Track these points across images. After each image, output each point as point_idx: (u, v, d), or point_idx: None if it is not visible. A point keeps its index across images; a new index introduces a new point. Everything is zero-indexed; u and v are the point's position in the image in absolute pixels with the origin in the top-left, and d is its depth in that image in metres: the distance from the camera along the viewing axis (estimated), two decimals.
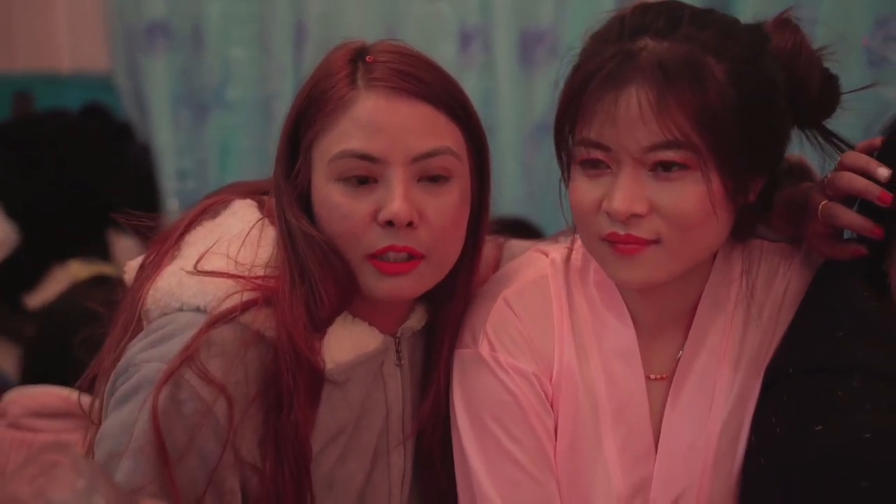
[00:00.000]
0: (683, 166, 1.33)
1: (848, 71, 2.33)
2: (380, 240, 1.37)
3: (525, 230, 2.69)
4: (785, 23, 1.44)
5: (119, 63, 3.83)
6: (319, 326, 1.39)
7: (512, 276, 1.52)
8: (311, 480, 1.39)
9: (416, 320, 1.50)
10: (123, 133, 3.83)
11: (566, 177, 1.43)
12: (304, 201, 1.41)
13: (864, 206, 1.42)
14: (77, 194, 3.58)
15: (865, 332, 1.37)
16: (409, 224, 1.36)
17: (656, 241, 1.36)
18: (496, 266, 1.60)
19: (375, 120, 1.36)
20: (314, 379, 1.37)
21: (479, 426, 1.45)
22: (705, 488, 1.45)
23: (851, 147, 1.46)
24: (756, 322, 1.48)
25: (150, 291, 1.41)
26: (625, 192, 1.34)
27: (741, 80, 1.34)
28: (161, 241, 1.46)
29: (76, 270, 3.29)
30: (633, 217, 1.34)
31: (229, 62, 3.54)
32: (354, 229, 1.37)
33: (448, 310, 1.49)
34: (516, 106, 2.95)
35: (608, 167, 1.36)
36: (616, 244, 1.36)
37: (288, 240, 1.40)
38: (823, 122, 1.47)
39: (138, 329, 1.43)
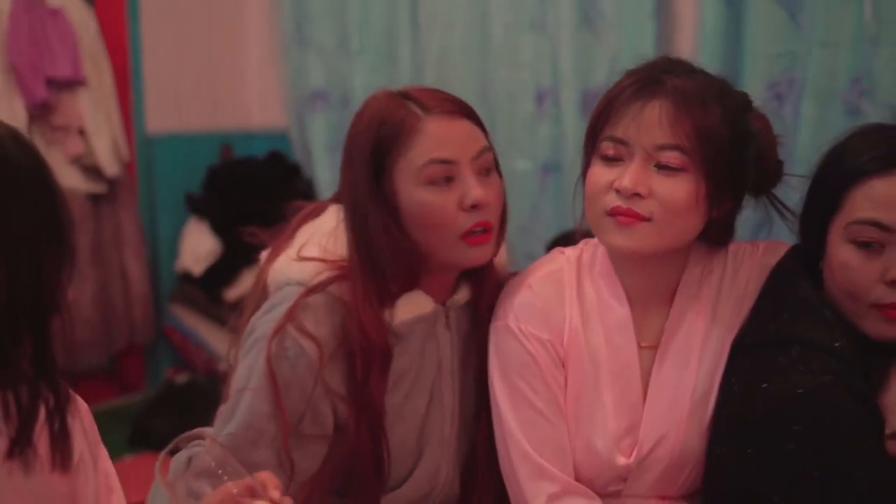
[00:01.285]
0: (679, 168, 1.35)
1: (831, 119, 2.28)
2: (468, 221, 1.40)
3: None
4: (760, 115, 1.46)
5: (292, 121, 3.92)
6: (389, 300, 1.41)
7: (537, 268, 1.53)
8: (387, 440, 1.41)
9: (461, 296, 1.51)
10: (295, 172, 3.91)
11: (586, 167, 1.45)
12: (391, 209, 1.40)
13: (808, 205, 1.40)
14: (263, 215, 3.68)
15: (803, 313, 1.35)
16: (482, 205, 1.40)
17: (648, 219, 1.37)
18: (506, 259, 1.60)
19: (443, 134, 1.39)
20: (384, 356, 1.39)
21: (508, 381, 1.46)
22: (682, 432, 1.44)
23: (791, 211, 1.46)
24: (724, 306, 1.47)
25: (270, 272, 1.46)
26: (633, 175, 1.36)
27: (732, 121, 1.38)
28: (280, 237, 1.51)
29: None
30: (636, 196, 1.36)
31: None
32: (449, 217, 1.39)
33: (483, 287, 1.51)
34: (578, 148, 2.85)
35: (622, 161, 1.38)
36: (618, 216, 1.38)
37: (363, 241, 1.40)
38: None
39: (264, 297, 1.47)
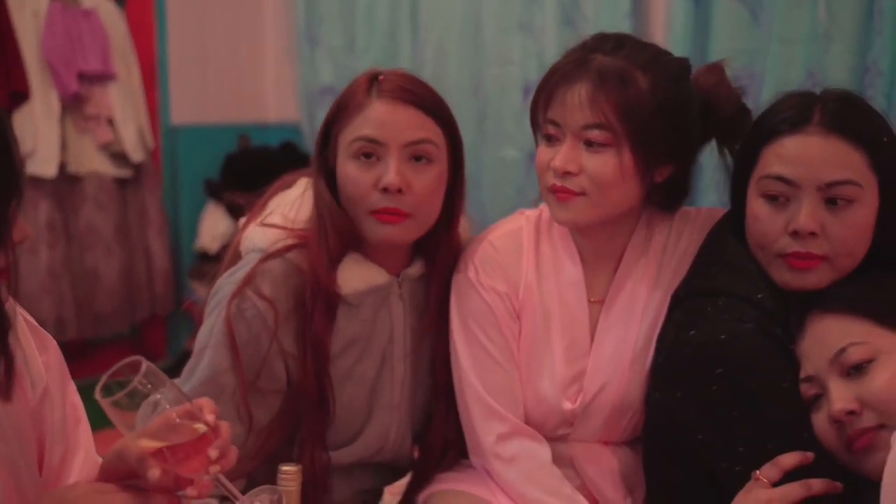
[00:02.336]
0: (605, 144, 1.36)
1: None
2: (379, 201, 1.39)
3: None
4: (713, 67, 1.46)
5: (304, 114, 3.95)
6: (334, 263, 1.41)
7: (499, 226, 1.54)
8: (328, 372, 1.41)
9: (415, 269, 1.50)
10: (305, 161, 3.78)
11: (537, 145, 1.46)
12: (332, 177, 1.43)
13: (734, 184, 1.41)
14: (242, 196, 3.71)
15: (730, 268, 1.36)
16: (399, 191, 1.38)
17: (582, 194, 1.38)
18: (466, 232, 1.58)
19: (380, 117, 1.39)
20: (330, 299, 1.39)
21: (467, 329, 1.47)
22: (624, 380, 1.45)
23: None
24: (667, 266, 1.47)
25: (242, 239, 1.47)
26: (564, 155, 1.37)
27: (660, 90, 1.37)
28: (255, 206, 1.51)
29: None
30: (568, 174, 1.38)
31: None
32: (362, 192, 1.39)
33: (437, 263, 1.50)
34: None
35: (559, 140, 1.39)
36: (556, 193, 1.39)
37: (316, 201, 1.43)
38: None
39: (235, 262, 1.47)
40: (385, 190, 1.38)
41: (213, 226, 3.86)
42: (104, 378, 0.96)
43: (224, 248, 3.74)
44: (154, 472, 0.90)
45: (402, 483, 1.61)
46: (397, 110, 1.39)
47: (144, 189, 3.80)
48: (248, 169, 3.88)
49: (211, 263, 3.83)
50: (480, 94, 3.11)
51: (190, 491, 0.92)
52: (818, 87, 2.38)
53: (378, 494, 1.60)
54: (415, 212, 1.40)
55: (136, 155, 3.71)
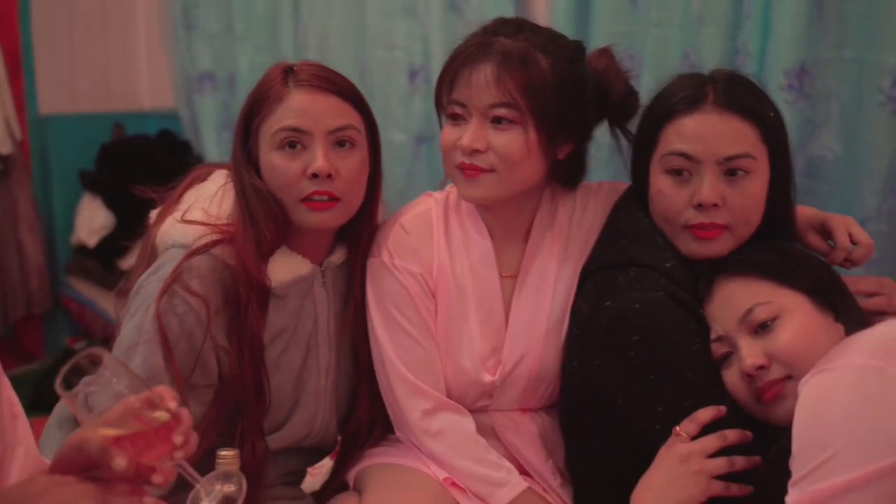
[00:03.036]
0: (511, 122, 1.38)
1: None
2: (308, 187, 1.40)
3: None
4: (604, 51, 1.51)
5: (181, 102, 3.82)
6: (265, 255, 1.41)
7: (408, 209, 1.55)
8: (264, 363, 1.42)
9: (337, 257, 1.52)
10: (185, 149, 3.82)
11: (441, 127, 1.47)
12: (255, 168, 1.44)
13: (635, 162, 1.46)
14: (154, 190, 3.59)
15: (639, 239, 1.42)
16: (329, 176, 1.40)
17: (491, 171, 1.41)
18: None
19: (301, 106, 1.40)
20: (262, 293, 1.40)
21: (384, 311, 1.48)
22: (539, 351, 1.49)
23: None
24: (574, 239, 1.52)
25: (158, 234, 1.44)
26: (471, 133, 1.40)
27: (559, 71, 1.41)
28: (170, 199, 1.48)
29: None
30: (476, 152, 1.40)
31: None
32: (290, 181, 1.40)
33: (360, 248, 1.52)
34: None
35: (465, 120, 1.41)
36: (464, 170, 1.42)
37: (242, 195, 1.42)
38: (626, 126, 1.52)
39: (152, 258, 1.45)
40: (314, 176, 1.39)
41: (90, 219, 3.69)
42: (63, 371, 0.93)
43: (104, 240, 3.64)
44: (119, 462, 0.88)
45: (323, 464, 1.61)
46: (317, 99, 1.41)
47: (14, 182, 3.59)
48: (125, 158, 3.74)
49: (89, 258, 3.68)
50: (366, 78, 3.08)
51: (155, 478, 0.90)
52: (694, 68, 2.49)
53: (301, 475, 1.60)
54: (344, 196, 1.42)
55: (4, 147, 3.50)
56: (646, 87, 2.39)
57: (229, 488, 0.99)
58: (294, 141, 1.40)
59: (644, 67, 2.42)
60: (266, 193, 1.41)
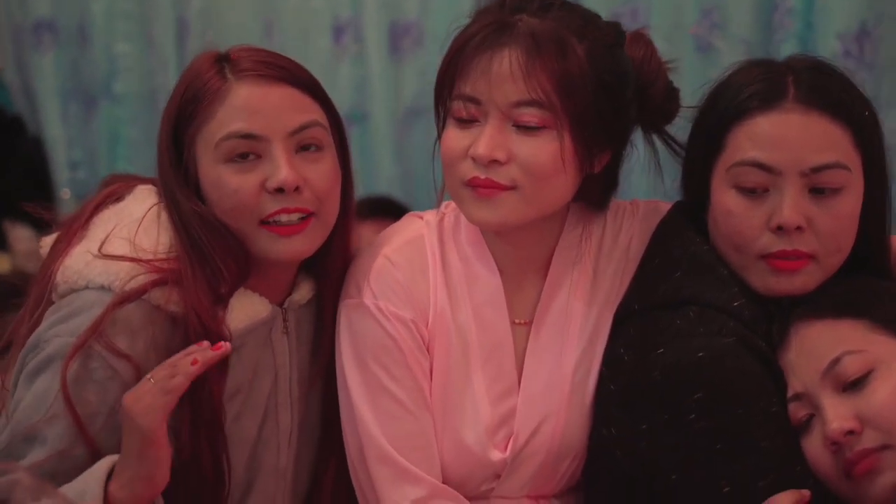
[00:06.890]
0: (542, 126, 1.40)
1: (680, 57, 2.45)
2: (270, 205, 1.41)
3: (391, 208, 2.74)
4: (638, 36, 1.53)
5: (7, 60, 3.75)
6: (223, 299, 1.42)
7: (391, 236, 1.56)
8: (226, 441, 1.42)
9: (301, 294, 1.52)
10: (14, 127, 3.75)
11: (441, 130, 1.49)
12: (194, 189, 1.44)
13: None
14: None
15: (697, 271, 1.45)
16: (297, 189, 1.40)
17: (513, 188, 1.42)
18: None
19: (251, 104, 1.41)
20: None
21: (364, 368, 1.48)
22: (562, 417, 1.51)
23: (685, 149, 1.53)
24: (605, 272, 1.54)
25: (60, 269, 1.42)
26: (489, 139, 1.41)
27: (598, 60, 1.43)
28: (70, 222, 1.46)
29: None
30: (494, 163, 1.41)
31: (115, 57, 3.49)
32: (246, 201, 1.40)
33: (331, 280, 1.52)
34: (387, 92, 2.99)
35: (477, 122, 1.43)
36: (477, 188, 1.43)
37: (181, 225, 1.42)
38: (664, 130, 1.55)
39: (49, 302, 1.43)
40: (278, 191, 1.39)
41: None
42: None
43: None
44: None
45: None
46: (268, 92, 1.42)
47: None
48: None
49: None
50: (274, 35, 3.08)
51: None
52: (716, 28, 2.56)
53: None
54: (319, 210, 1.43)
55: None
56: (658, 33, 2.44)
57: None
58: (245, 151, 1.40)
59: (651, 30, 2.48)
60: (215, 222, 1.41)
